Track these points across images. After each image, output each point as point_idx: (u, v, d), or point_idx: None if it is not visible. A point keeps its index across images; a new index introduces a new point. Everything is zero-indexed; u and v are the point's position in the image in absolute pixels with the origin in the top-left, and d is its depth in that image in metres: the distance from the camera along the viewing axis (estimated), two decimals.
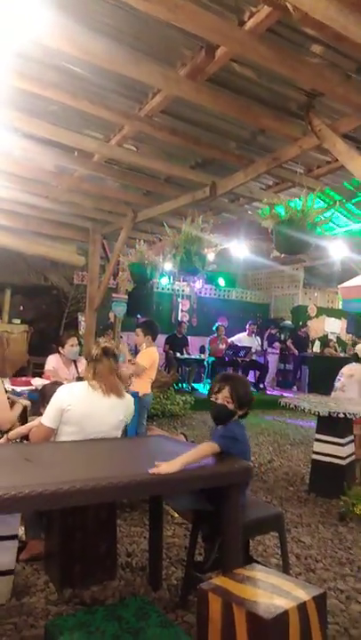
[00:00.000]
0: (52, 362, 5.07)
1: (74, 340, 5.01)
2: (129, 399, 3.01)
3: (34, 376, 5.98)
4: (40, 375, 5.41)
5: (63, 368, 5.01)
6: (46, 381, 4.58)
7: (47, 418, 2.78)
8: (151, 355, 5.05)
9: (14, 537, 2.58)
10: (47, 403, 2.90)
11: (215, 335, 10.93)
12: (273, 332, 12.65)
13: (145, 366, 4.95)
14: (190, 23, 2.87)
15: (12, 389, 4.55)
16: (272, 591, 1.89)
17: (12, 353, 9.11)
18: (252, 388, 2.84)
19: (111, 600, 2.58)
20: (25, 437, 3.02)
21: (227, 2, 2.89)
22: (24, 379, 5.36)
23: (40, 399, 3.53)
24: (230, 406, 2.59)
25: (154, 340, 5.10)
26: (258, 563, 2.55)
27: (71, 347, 4.96)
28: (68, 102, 3.90)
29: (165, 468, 2.16)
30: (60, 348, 5.00)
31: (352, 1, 2.56)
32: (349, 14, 2.60)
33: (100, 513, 2.78)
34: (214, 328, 11.08)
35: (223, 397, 2.60)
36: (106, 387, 2.85)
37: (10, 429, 3.11)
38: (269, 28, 3.01)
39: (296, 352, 12.21)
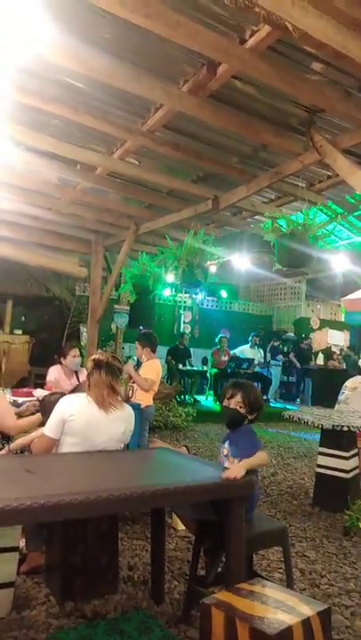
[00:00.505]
0: (54, 373, 5.07)
1: (76, 351, 5.01)
2: (129, 412, 2.99)
3: (35, 387, 5.98)
4: (42, 386, 5.41)
5: (65, 379, 5.01)
6: (47, 392, 4.59)
7: (49, 428, 2.78)
8: (155, 367, 5.04)
9: (15, 549, 2.57)
10: (47, 413, 2.90)
11: (218, 347, 10.93)
12: (275, 344, 12.65)
13: (154, 380, 4.94)
14: (192, 41, 2.93)
15: (13, 400, 4.55)
16: (276, 606, 1.87)
17: (14, 364, 9.12)
18: (260, 395, 2.93)
19: (113, 614, 2.55)
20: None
21: (228, 20, 2.95)
22: (25, 389, 5.36)
23: (40, 410, 3.53)
24: (242, 411, 2.72)
25: (153, 351, 5.06)
26: (262, 577, 2.53)
27: (73, 357, 4.97)
28: (71, 117, 3.97)
29: (234, 472, 2.30)
30: (61, 359, 5.01)
31: (351, 20, 2.61)
32: (348, 33, 2.66)
33: (102, 525, 2.77)
34: (217, 340, 11.09)
35: (236, 403, 2.74)
36: (98, 400, 2.84)
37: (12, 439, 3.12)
38: (270, 46, 3.07)
39: (298, 365, 12.19)
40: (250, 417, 2.76)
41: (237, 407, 2.72)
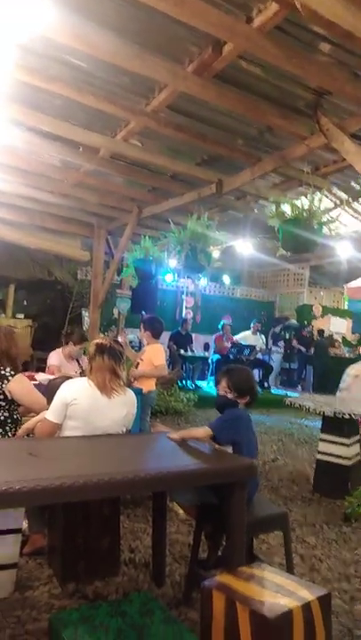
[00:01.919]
0: (55, 357, 5.09)
1: (84, 344, 5.03)
2: (131, 397, 2.99)
3: (37, 371, 5.99)
4: (44, 370, 5.42)
5: (66, 364, 5.03)
6: (50, 376, 4.59)
7: (52, 413, 2.78)
8: (160, 350, 5.02)
9: (18, 531, 2.59)
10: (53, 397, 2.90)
11: (221, 333, 10.92)
12: (276, 330, 12.62)
13: (163, 363, 4.93)
14: (197, 19, 2.85)
15: None
16: (276, 590, 1.88)
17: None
18: (251, 378, 2.90)
19: (114, 595, 2.58)
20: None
21: None
22: (28, 373, 5.36)
23: (47, 394, 3.53)
24: (230, 396, 2.75)
25: (154, 336, 5.02)
26: (262, 561, 2.55)
27: (80, 349, 5.00)
28: (73, 97, 3.89)
29: (172, 435, 2.69)
30: (69, 343, 4.99)
31: None
32: (357, 12, 2.58)
33: (104, 508, 2.79)
34: (220, 326, 11.07)
35: (222, 388, 2.80)
36: (99, 384, 2.83)
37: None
38: (277, 26, 2.99)
39: (303, 349, 12.15)
40: (241, 401, 2.75)
41: (224, 392, 2.77)
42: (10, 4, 2.84)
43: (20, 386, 3.12)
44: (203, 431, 2.66)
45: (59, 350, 5.13)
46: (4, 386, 3.04)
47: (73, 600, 2.52)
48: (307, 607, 1.81)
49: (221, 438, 2.61)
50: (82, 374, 4.47)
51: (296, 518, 3.88)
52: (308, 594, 1.87)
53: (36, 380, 4.71)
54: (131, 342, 6.59)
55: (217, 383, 2.91)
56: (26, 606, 2.44)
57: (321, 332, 12.54)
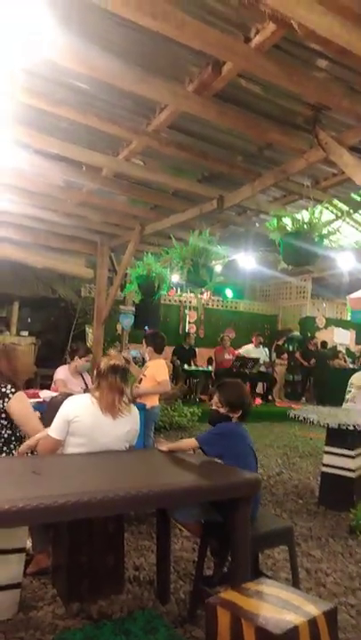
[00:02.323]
0: (62, 373, 5.11)
1: (89, 357, 5.12)
2: (134, 413, 2.98)
3: (41, 388, 6.01)
4: (48, 387, 5.43)
5: (72, 379, 5.04)
6: (54, 394, 4.59)
7: (54, 429, 2.78)
8: (163, 366, 5.03)
9: (22, 550, 2.58)
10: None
11: (220, 346, 10.90)
12: (279, 343, 12.61)
13: (166, 378, 4.94)
14: (197, 40, 2.92)
15: None
16: (282, 606, 1.87)
17: (20, 365, 9.15)
18: (243, 392, 2.89)
19: (119, 614, 2.56)
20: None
21: (233, 19, 2.93)
22: (32, 391, 5.37)
23: (49, 411, 3.54)
24: (222, 410, 2.78)
25: (156, 351, 5.04)
26: (267, 577, 2.53)
27: (86, 361, 5.03)
28: (77, 119, 3.96)
29: (161, 447, 2.82)
30: (75, 357, 5.03)
31: (356, 16, 2.60)
32: (353, 30, 2.64)
33: (108, 526, 2.77)
34: (220, 339, 11.06)
35: (215, 403, 2.85)
36: (108, 405, 2.82)
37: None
38: (275, 44, 3.05)
39: (305, 363, 12.12)
40: (233, 415, 2.77)
41: (217, 407, 2.82)
42: (15, 29, 2.91)
43: (20, 406, 3.10)
44: (189, 442, 2.75)
45: (65, 366, 5.16)
46: (4, 404, 3.05)
47: (77, 620, 2.50)
48: (313, 622, 1.79)
49: (209, 451, 2.62)
50: (85, 391, 4.48)
51: (301, 532, 3.85)
52: (314, 609, 1.86)
53: (39, 397, 4.72)
54: (134, 358, 6.60)
55: (210, 398, 2.93)
56: (30, 627, 2.43)
57: (323, 343, 12.52)
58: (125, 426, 2.89)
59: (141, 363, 6.08)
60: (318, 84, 3.42)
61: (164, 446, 2.87)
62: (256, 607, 1.86)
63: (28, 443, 3.07)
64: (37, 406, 4.40)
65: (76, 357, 5.02)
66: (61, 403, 2.95)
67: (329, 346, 13.08)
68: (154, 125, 4.09)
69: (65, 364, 5.22)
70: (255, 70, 3.22)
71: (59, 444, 2.80)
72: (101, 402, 2.81)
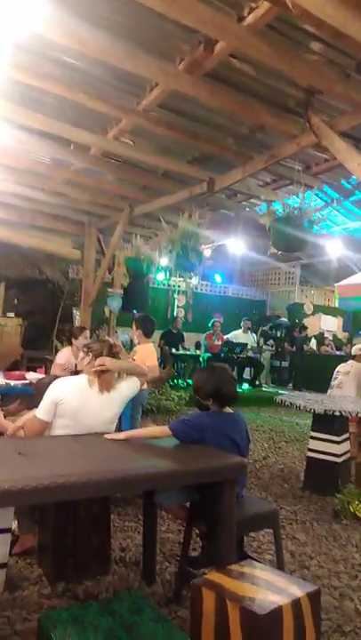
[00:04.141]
0: (65, 356, 5.14)
1: (86, 333, 5.35)
2: (125, 386, 3.02)
3: (28, 370, 5.99)
4: (34, 369, 5.42)
5: (75, 360, 5.08)
6: (40, 375, 4.58)
7: (41, 411, 2.77)
8: (151, 351, 5.02)
9: (7, 530, 2.57)
10: (41, 396, 2.89)
11: (211, 331, 10.92)
12: (265, 329, 12.65)
13: (155, 363, 4.93)
14: (188, 17, 2.85)
15: (6, 383, 4.54)
16: (266, 587, 1.89)
17: (6, 346, 9.10)
18: (210, 379, 2.74)
19: (105, 595, 2.58)
20: None
21: None
22: (18, 372, 5.35)
23: (36, 393, 3.52)
24: (198, 397, 2.78)
25: (145, 335, 5.02)
26: (252, 559, 2.56)
27: (85, 338, 5.16)
28: (65, 95, 3.88)
29: (112, 435, 2.64)
30: (73, 340, 5.16)
31: None
32: (348, 11, 2.59)
33: (94, 507, 2.78)
34: (210, 324, 11.08)
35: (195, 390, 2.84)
36: (103, 384, 2.85)
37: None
38: (269, 24, 3.01)
39: (293, 349, 12.17)
40: (206, 402, 2.72)
41: (195, 395, 2.83)
42: (1, 3, 2.82)
43: None
44: (160, 430, 2.69)
45: (68, 348, 5.30)
46: None
47: (63, 600, 2.51)
48: (296, 603, 1.82)
49: (181, 438, 2.58)
50: (73, 373, 4.46)
51: (286, 515, 3.90)
52: (297, 590, 1.88)
53: (26, 379, 4.70)
54: (122, 342, 6.61)
55: None
56: (15, 606, 2.43)
57: (302, 328, 12.49)
58: (113, 408, 2.89)
59: (129, 347, 6.07)
60: (312, 67, 3.38)
61: (123, 434, 2.67)
62: (241, 588, 1.88)
63: (16, 424, 3.05)
64: (23, 388, 4.39)
65: (73, 340, 5.16)
66: (48, 385, 2.94)
67: (316, 332, 13.16)
68: (144, 104, 4.03)
69: (69, 345, 5.43)
70: (248, 50, 3.17)
71: (46, 426, 2.78)
72: (101, 382, 2.85)
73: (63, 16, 2.99)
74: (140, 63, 3.40)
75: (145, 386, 5.02)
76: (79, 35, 3.13)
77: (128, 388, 3.02)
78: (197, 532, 2.76)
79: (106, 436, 2.65)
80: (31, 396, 3.67)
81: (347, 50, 3.20)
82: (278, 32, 3.14)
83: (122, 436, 2.65)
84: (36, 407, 2.88)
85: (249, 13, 2.95)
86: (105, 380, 2.87)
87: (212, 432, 2.59)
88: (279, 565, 2.71)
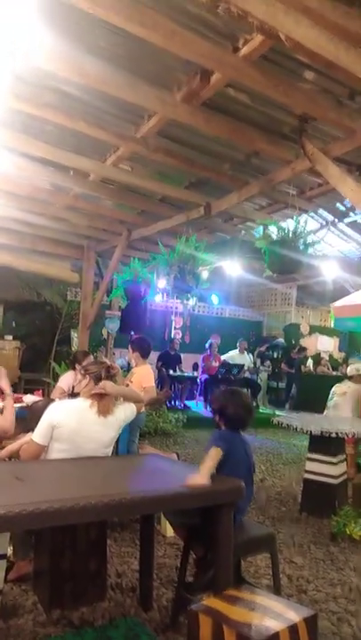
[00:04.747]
0: (69, 380, 5.12)
1: (90, 358, 5.21)
2: (122, 409, 3.02)
3: (25, 392, 5.98)
4: (32, 392, 5.41)
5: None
6: (37, 398, 4.57)
7: (38, 434, 2.77)
8: (149, 372, 5.03)
9: (3, 556, 2.55)
10: (36, 420, 2.89)
11: (208, 353, 10.93)
12: (262, 349, 12.67)
13: (152, 385, 4.93)
14: (186, 50, 2.95)
15: (2, 406, 4.52)
16: (263, 612, 1.88)
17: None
18: (221, 399, 2.90)
19: (101, 621, 2.54)
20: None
21: (221, 30, 2.97)
22: (15, 395, 5.33)
23: (30, 416, 3.52)
24: (216, 419, 2.89)
25: (142, 356, 5.04)
26: (249, 584, 2.54)
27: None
28: (65, 123, 3.97)
29: (197, 480, 2.31)
30: (76, 365, 5.10)
31: (342, 30, 2.64)
32: (339, 43, 2.68)
33: (91, 532, 2.76)
34: (207, 345, 11.09)
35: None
36: (102, 408, 2.85)
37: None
38: (263, 55, 3.10)
39: (292, 371, 12.15)
40: (220, 423, 2.83)
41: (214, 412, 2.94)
42: (3, 33, 2.91)
43: None
44: (214, 455, 2.50)
45: (72, 372, 5.20)
46: None
47: (58, 627, 2.48)
48: (293, 629, 1.81)
49: (224, 448, 2.61)
50: (71, 396, 4.46)
51: (284, 539, 3.87)
52: (294, 615, 1.87)
53: (23, 401, 4.69)
54: (122, 368, 6.63)
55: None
56: (10, 635, 2.40)
57: (301, 349, 12.53)
58: (110, 432, 2.89)
59: (127, 369, 6.09)
60: (305, 95, 3.47)
61: (198, 478, 2.35)
62: (238, 614, 1.87)
63: (9, 447, 3.05)
64: (21, 411, 4.37)
65: (77, 364, 5.10)
66: (42, 408, 2.94)
67: (313, 353, 13.17)
68: (142, 132, 4.11)
69: (72, 369, 5.32)
70: (243, 80, 3.26)
71: (42, 450, 2.78)
72: (100, 406, 2.85)
73: (63, 47, 3.08)
74: (139, 93, 3.49)
75: (142, 408, 5.02)
76: (78, 65, 3.22)
77: (125, 412, 3.02)
78: (194, 556, 2.75)
79: (193, 482, 2.30)
80: (27, 419, 3.66)
81: (339, 78, 3.29)
82: (272, 62, 3.24)
83: (206, 476, 2.36)
84: (32, 431, 2.88)
85: (244, 45, 3.04)
86: (105, 403, 2.88)
87: (236, 445, 2.68)
88: (276, 590, 2.69)
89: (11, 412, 3.19)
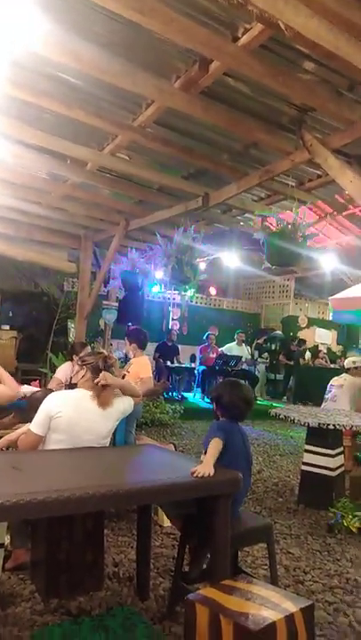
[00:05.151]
0: (66, 370, 5.11)
1: (88, 349, 5.24)
2: (121, 401, 3.02)
3: (22, 383, 5.98)
4: (29, 382, 5.41)
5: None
6: (35, 389, 4.57)
7: (35, 425, 2.77)
8: (146, 363, 5.03)
9: (0, 545, 2.56)
10: (34, 410, 2.89)
11: (206, 344, 10.94)
12: (260, 341, 12.68)
13: (149, 375, 4.94)
14: (184, 37, 2.91)
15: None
16: (260, 603, 1.89)
17: (0, 359, 9.07)
18: (219, 389, 2.96)
19: (98, 610, 2.56)
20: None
21: (221, 18, 2.93)
22: None
23: (29, 407, 3.52)
24: (214, 408, 2.91)
25: (140, 347, 5.04)
26: (246, 574, 2.55)
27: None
28: (62, 111, 3.92)
29: (204, 469, 2.32)
30: (73, 356, 5.10)
31: (343, 21, 2.61)
32: (340, 33, 2.65)
33: (88, 522, 2.76)
34: (205, 337, 11.10)
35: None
36: (102, 399, 2.85)
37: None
38: (262, 44, 3.06)
39: (289, 363, 12.19)
40: (217, 412, 2.86)
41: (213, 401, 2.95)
42: (0, 20, 2.87)
43: None
44: (215, 445, 2.54)
45: (69, 363, 5.20)
46: None
47: (56, 616, 2.49)
48: (290, 619, 1.82)
49: (205, 445, 2.64)
50: (68, 387, 4.46)
51: (281, 530, 3.89)
52: (291, 605, 1.88)
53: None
54: (119, 359, 6.64)
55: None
56: (7, 623, 2.41)
57: (301, 341, 12.59)
58: (108, 424, 2.90)
59: (124, 362, 6.08)
60: (305, 85, 3.44)
61: (205, 467, 2.37)
62: (235, 604, 1.87)
63: (7, 437, 3.05)
64: (17, 402, 4.37)
65: (75, 355, 5.10)
66: (40, 399, 2.94)
67: (310, 345, 13.20)
68: (140, 120, 4.08)
69: (69, 360, 5.34)
70: (242, 69, 3.22)
71: (40, 440, 2.78)
72: (101, 397, 2.86)
73: (61, 34, 3.04)
74: (137, 81, 3.45)
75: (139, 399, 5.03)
76: (76, 52, 3.17)
77: (124, 404, 3.03)
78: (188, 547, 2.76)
79: (200, 471, 2.32)
80: (25, 410, 3.66)
81: (339, 69, 3.26)
82: (272, 52, 3.20)
83: (211, 465, 2.38)
84: (30, 421, 2.88)
85: (243, 34, 3.01)
86: (105, 395, 2.88)
87: (234, 435, 2.69)
88: (273, 580, 2.71)
89: (9, 377, 3.22)
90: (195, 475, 2.29)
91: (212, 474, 2.31)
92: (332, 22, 2.62)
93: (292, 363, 12.09)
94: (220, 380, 3.08)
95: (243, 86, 3.63)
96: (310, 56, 3.20)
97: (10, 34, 3.00)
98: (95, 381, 2.88)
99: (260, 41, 3.00)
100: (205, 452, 2.56)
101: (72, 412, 2.77)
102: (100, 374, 2.88)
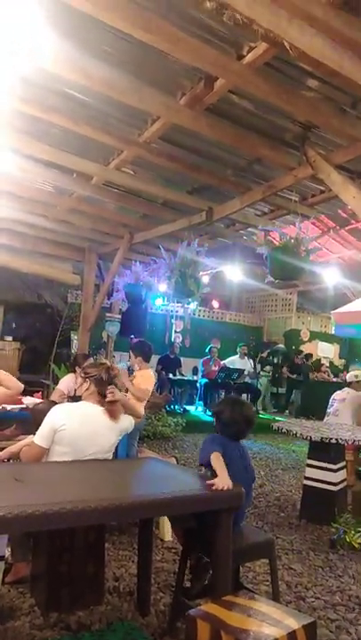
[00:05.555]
0: (69, 382, 5.11)
1: (90, 361, 5.19)
2: (126, 418, 3.04)
3: (25, 394, 5.98)
4: (31, 393, 5.41)
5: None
6: (37, 400, 4.58)
7: (40, 437, 2.77)
8: (149, 376, 5.04)
9: (1, 558, 2.55)
10: (37, 422, 2.90)
11: (208, 357, 10.94)
12: (263, 355, 12.67)
13: (149, 389, 4.93)
14: (190, 56, 2.97)
15: (3, 407, 4.53)
16: (262, 619, 1.88)
17: (3, 370, 9.09)
18: (221, 406, 2.96)
19: (98, 625, 2.54)
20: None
21: (226, 37, 2.99)
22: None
23: (32, 419, 3.52)
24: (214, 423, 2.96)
25: (145, 360, 5.06)
26: (248, 590, 2.53)
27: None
28: (70, 126, 3.99)
29: (222, 482, 2.32)
30: (76, 368, 5.11)
31: (346, 40, 2.66)
32: (343, 52, 2.70)
33: (89, 536, 2.75)
34: (207, 350, 11.10)
35: None
36: (111, 413, 2.89)
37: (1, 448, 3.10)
38: (267, 63, 3.12)
39: (292, 376, 12.16)
40: (217, 428, 2.87)
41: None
42: (10, 37, 2.93)
43: None
44: (216, 457, 2.54)
45: (72, 375, 5.19)
46: None
47: (55, 631, 2.48)
48: (292, 636, 1.80)
49: (201, 460, 2.65)
50: (71, 399, 4.46)
51: (283, 545, 3.86)
52: (293, 622, 1.87)
53: (22, 403, 4.69)
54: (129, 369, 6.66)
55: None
56: (7, 638, 2.40)
57: (307, 356, 12.61)
58: (112, 437, 2.90)
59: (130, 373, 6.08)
60: (308, 102, 3.49)
61: (226, 478, 2.39)
62: (236, 620, 1.86)
63: (10, 449, 3.05)
64: (20, 412, 4.38)
65: (77, 367, 5.11)
66: (45, 410, 2.94)
67: (313, 359, 13.17)
68: (145, 136, 4.14)
69: (72, 372, 5.34)
70: (247, 87, 3.28)
71: (43, 452, 2.78)
72: (108, 409, 2.89)
73: (69, 51, 3.10)
74: (144, 97, 3.50)
75: (142, 412, 5.02)
76: (84, 69, 3.23)
77: (127, 420, 3.05)
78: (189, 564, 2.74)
79: (215, 482, 2.32)
80: (28, 421, 3.66)
81: (343, 87, 3.30)
82: (276, 69, 3.25)
83: (227, 477, 2.38)
84: (32, 433, 2.88)
85: (248, 52, 3.07)
86: (114, 409, 2.91)
87: (230, 449, 2.68)
88: (275, 596, 2.69)
89: (9, 377, 3.25)
90: (213, 488, 2.29)
91: (230, 487, 2.31)
92: (336, 41, 2.67)
93: (295, 376, 12.06)
94: (223, 395, 3.08)
95: (247, 103, 3.69)
96: (314, 74, 3.25)
97: (20, 51, 3.07)
98: (107, 399, 2.90)
99: (264, 59, 3.05)
100: (204, 466, 2.57)
101: (77, 425, 2.77)
102: (109, 389, 2.91)
